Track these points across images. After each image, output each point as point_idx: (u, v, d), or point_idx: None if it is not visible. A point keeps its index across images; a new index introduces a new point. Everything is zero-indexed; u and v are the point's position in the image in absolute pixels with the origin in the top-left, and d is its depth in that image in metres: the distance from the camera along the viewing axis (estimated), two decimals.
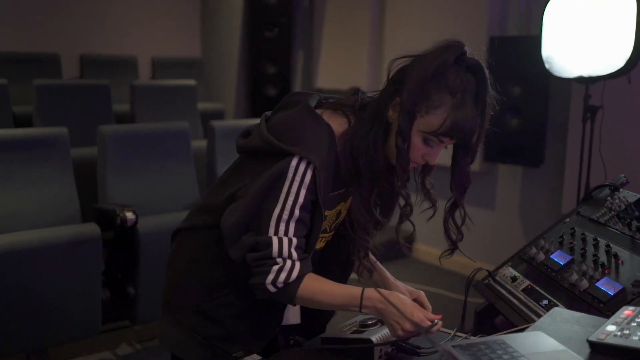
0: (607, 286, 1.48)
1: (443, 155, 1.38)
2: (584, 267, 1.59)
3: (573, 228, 1.79)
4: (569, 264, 1.66)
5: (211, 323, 1.36)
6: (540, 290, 1.67)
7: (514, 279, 1.79)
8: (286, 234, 1.25)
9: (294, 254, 1.26)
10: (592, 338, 1.07)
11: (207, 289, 1.37)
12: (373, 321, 1.37)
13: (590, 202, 1.89)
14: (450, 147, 1.36)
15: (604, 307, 1.42)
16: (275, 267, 1.24)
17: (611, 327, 1.09)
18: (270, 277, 1.24)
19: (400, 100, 1.26)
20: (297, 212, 1.25)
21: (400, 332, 1.22)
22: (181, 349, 1.40)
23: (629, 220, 1.65)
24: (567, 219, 1.89)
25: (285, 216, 1.25)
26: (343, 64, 5.01)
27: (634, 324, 1.08)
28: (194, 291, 1.38)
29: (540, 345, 1.07)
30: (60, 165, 2.68)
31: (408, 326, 1.20)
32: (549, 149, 3.62)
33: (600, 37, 2.64)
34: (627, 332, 1.05)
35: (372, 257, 1.56)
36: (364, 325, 1.36)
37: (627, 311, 1.17)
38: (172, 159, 2.93)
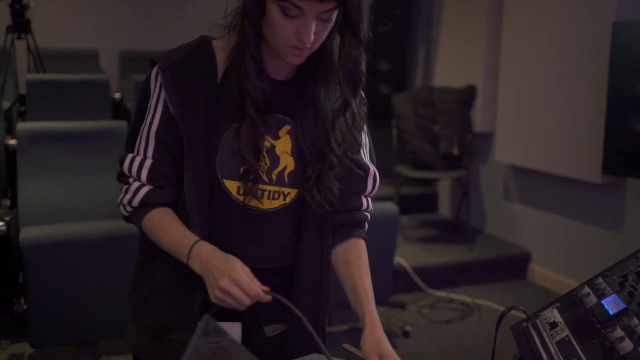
0: None
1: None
2: (635, 322, 1.16)
3: None
4: (619, 315, 1.23)
5: (151, 308, 1.22)
6: (576, 346, 1.25)
7: (553, 325, 1.38)
8: (142, 152, 1.14)
9: (143, 175, 1.12)
10: None
11: (144, 271, 1.25)
12: None
13: None
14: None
15: None
16: (124, 187, 1.14)
17: None
18: (120, 196, 1.15)
19: None
20: (154, 128, 1.13)
21: (213, 298, 1.05)
22: (139, 349, 1.27)
23: None
24: None
25: (144, 133, 1.14)
26: (459, 60, 4.58)
27: None
28: (140, 280, 1.25)
29: None
30: None
31: (218, 293, 1.04)
32: None
33: None
34: None
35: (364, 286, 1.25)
36: None
37: None
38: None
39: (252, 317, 1.23)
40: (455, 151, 4.29)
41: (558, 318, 1.40)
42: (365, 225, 1.31)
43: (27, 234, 2.18)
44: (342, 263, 1.27)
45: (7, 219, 2.28)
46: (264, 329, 1.28)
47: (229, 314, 1.17)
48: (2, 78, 4.13)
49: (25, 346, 2.45)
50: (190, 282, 1.15)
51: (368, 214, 1.31)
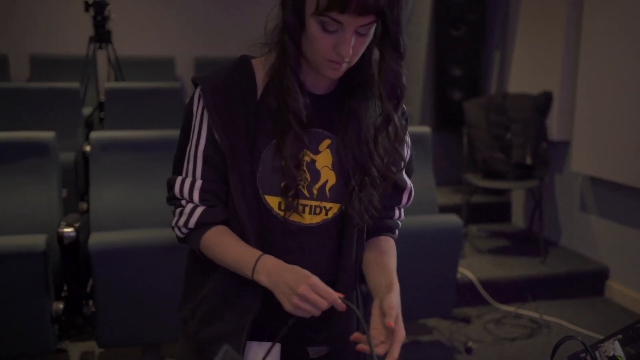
0: None
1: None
2: None
3: None
4: None
5: (198, 319, 1.25)
6: None
7: (612, 359, 1.30)
8: (191, 174, 1.16)
9: (195, 196, 1.15)
10: None
11: (193, 285, 1.28)
12: None
13: None
14: None
15: None
16: (178, 210, 1.16)
17: None
18: (174, 219, 1.17)
19: None
20: (200, 148, 1.15)
21: (288, 307, 1.08)
22: None
23: None
24: None
25: (191, 154, 1.16)
26: (535, 66, 4.41)
27: None
28: (190, 292, 1.28)
29: None
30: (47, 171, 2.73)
31: (296, 300, 1.06)
32: None
33: None
34: None
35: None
36: None
37: None
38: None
39: (296, 337, 1.23)
40: (529, 160, 4.14)
41: (619, 352, 1.32)
42: (395, 232, 1.34)
43: (95, 239, 2.28)
44: (367, 253, 1.28)
45: (76, 225, 2.39)
46: (307, 350, 1.27)
47: (273, 334, 1.17)
48: (84, 86, 4.35)
49: (95, 345, 2.56)
50: (241, 295, 1.17)
51: (400, 222, 1.35)
